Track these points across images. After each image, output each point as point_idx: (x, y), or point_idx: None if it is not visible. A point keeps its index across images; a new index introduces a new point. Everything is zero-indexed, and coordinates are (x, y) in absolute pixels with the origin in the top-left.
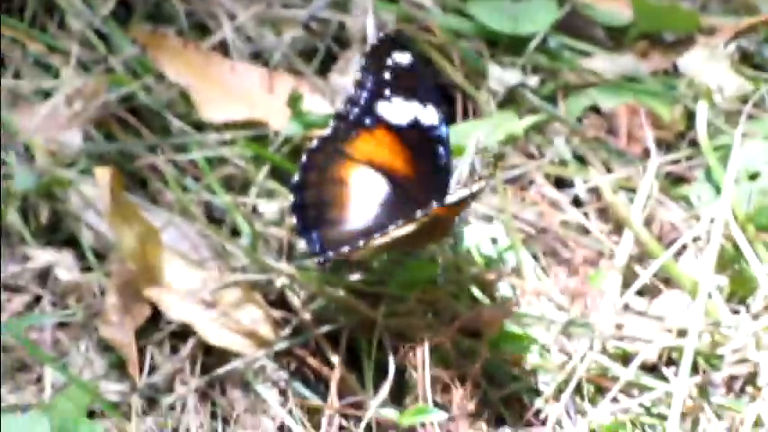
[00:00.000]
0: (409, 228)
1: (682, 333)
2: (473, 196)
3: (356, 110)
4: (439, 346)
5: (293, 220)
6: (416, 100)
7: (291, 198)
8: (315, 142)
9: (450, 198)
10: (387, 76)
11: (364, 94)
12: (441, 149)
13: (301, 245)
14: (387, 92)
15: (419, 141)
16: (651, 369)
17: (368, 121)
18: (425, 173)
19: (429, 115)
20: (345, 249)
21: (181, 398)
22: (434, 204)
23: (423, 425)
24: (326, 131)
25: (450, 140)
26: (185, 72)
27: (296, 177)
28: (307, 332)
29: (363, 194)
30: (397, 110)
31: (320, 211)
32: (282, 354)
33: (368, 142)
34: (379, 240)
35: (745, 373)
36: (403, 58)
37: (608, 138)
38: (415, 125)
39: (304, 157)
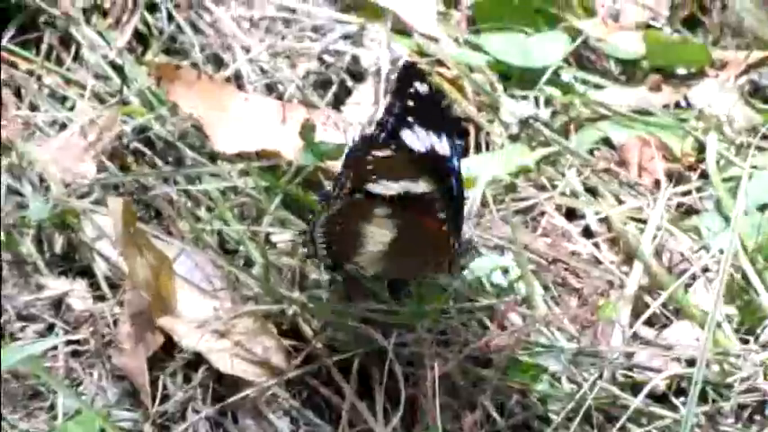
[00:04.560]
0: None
1: (691, 363)
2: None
3: (383, 134)
4: (449, 375)
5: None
6: (433, 130)
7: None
8: (346, 157)
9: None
10: (410, 103)
11: (391, 119)
12: (452, 181)
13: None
14: (410, 119)
15: (434, 170)
16: (660, 398)
17: (393, 145)
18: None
19: (443, 147)
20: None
21: (193, 426)
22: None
23: None
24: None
25: (463, 172)
26: (199, 104)
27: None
28: (318, 361)
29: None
30: (418, 138)
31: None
32: (294, 382)
33: None
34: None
35: (753, 402)
36: (422, 87)
37: (619, 170)
38: (432, 154)
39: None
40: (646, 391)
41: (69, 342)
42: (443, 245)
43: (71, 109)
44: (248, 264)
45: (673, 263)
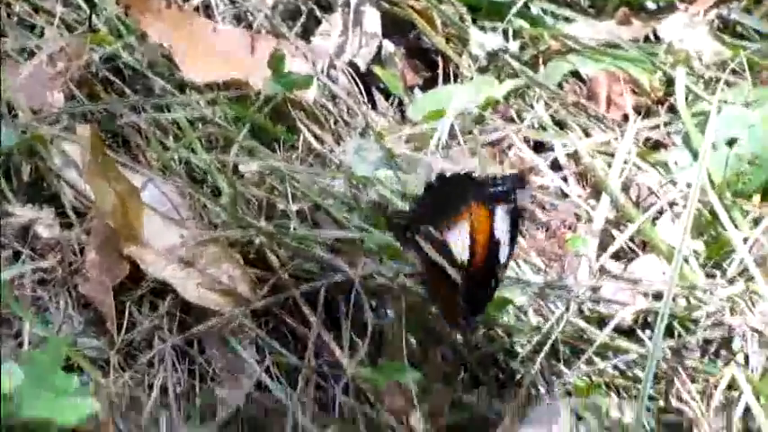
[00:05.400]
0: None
1: (657, 297)
2: None
3: None
4: (415, 307)
5: None
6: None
7: None
8: None
9: None
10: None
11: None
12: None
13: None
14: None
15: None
16: (627, 332)
17: None
18: None
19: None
20: None
21: (159, 355)
22: None
23: (399, 384)
24: None
25: (431, 104)
26: (168, 33)
27: None
28: (285, 291)
29: None
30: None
31: None
32: (260, 312)
33: None
34: None
35: (719, 337)
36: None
37: (587, 103)
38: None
39: None
40: (612, 324)
41: (36, 270)
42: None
43: (40, 37)
44: (216, 193)
45: (640, 197)
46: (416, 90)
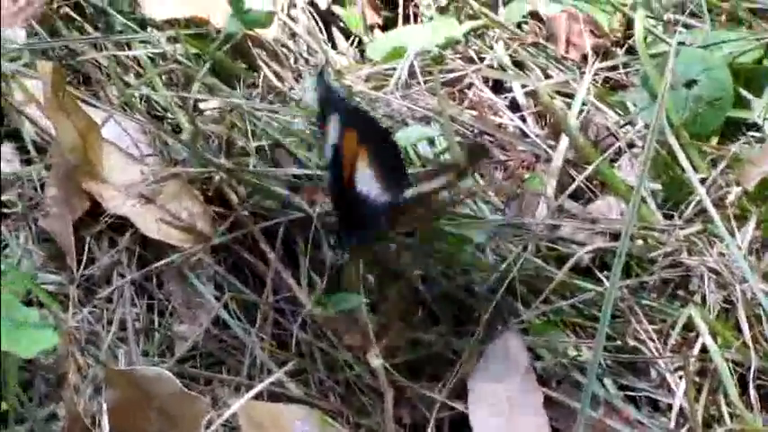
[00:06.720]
0: None
1: (615, 237)
2: None
3: None
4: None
5: None
6: None
7: None
8: None
9: None
10: None
11: None
12: None
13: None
14: None
15: None
16: (584, 271)
17: None
18: None
19: None
20: None
21: (118, 290)
22: None
23: (356, 322)
24: None
25: (391, 44)
26: None
27: None
28: (244, 228)
29: None
30: None
31: None
32: (219, 249)
33: None
34: None
35: (676, 277)
36: None
37: (546, 44)
38: None
39: None
40: (570, 263)
41: None
42: None
43: None
44: (176, 130)
45: (599, 137)
46: (377, 30)
